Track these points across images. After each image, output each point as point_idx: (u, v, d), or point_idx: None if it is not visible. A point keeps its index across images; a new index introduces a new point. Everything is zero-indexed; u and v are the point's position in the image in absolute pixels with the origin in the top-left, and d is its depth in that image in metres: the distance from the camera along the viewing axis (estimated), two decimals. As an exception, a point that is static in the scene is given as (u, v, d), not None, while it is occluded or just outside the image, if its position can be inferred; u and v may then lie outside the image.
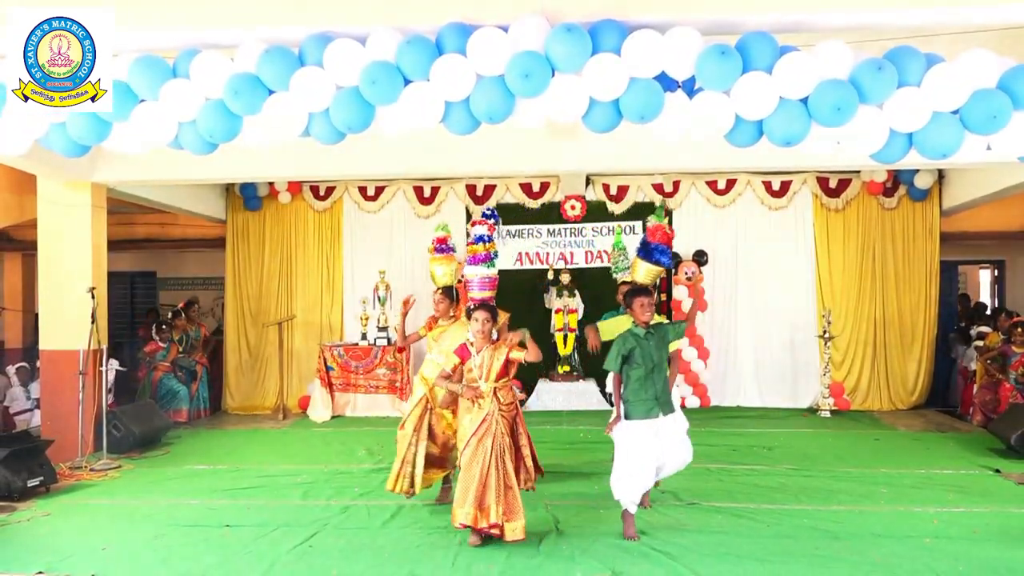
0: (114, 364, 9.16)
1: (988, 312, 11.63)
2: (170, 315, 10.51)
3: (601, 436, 8.71)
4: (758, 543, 5.05)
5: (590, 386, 10.69)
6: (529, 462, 5.41)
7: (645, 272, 6.13)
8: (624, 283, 6.55)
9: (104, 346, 8.21)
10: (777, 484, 6.62)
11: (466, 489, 4.95)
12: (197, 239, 12.36)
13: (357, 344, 10.40)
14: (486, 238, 5.68)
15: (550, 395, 10.66)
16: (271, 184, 11.30)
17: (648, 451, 5.15)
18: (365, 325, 10.47)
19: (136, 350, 10.78)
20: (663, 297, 10.99)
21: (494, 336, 5.34)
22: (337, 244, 11.39)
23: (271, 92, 4.65)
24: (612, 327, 5.83)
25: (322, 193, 11.41)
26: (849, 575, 4.48)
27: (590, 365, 10.86)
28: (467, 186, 11.20)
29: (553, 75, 4.46)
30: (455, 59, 4.44)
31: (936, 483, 6.59)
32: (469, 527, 4.93)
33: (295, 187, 11.35)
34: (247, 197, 11.39)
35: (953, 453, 7.79)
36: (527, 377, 10.89)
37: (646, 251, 6.15)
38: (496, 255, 5.76)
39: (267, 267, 11.38)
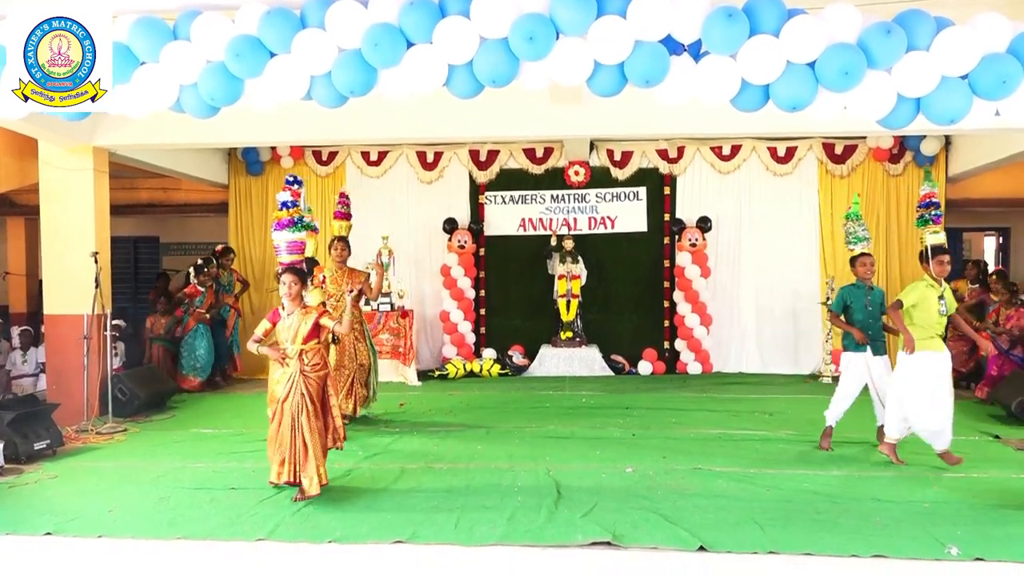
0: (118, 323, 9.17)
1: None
2: (200, 262, 10.27)
3: (603, 401, 8.82)
4: (758, 507, 5.08)
5: (592, 352, 10.73)
6: (339, 422, 5.57)
7: None
8: (864, 254, 6.69)
9: (108, 311, 8.24)
10: (778, 449, 6.66)
11: (272, 447, 5.34)
12: (200, 204, 12.34)
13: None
14: (290, 203, 5.93)
15: (553, 360, 10.71)
16: (273, 149, 11.25)
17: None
18: (368, 290, 10.48)
19: (139, 315, 10.80)
20: (665, 263, 10.99)
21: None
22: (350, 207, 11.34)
23: (272, 55, 4.62)
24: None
25: (324, 158, 11.37)
26: (848, 539, 4.51)
27: (591, 331, 10.90)
28: (470, 151, 11.14)
29: (557, 38, 4.42)
30: (458, 21, 4.40)
31: (933, 451, 6.62)
32: (277, 484, 5.34)
33: (297, 152, 11.30)
34: (249, 162, 11.35)
35: (954, 420, 7.79)
36: (530, 343, 10.94)
37: None
38: (302, 219, 5.98)
39: (270, 232, 11.30)
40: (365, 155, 11.31)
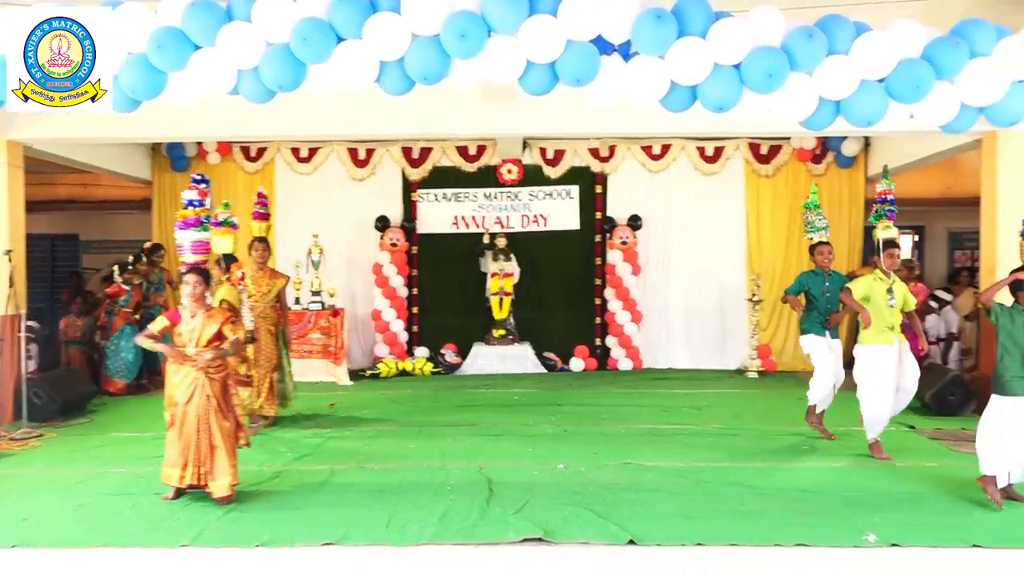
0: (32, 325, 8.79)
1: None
2: (131, 259, 9.81)
3: (535, 398, 8.86)
4: (686, 500, 5.18)
5: (525, 349, 10.77)
6: (242, 420, 5.60)
7: None
8: (822, 243, 6.98)
9: (23, 311, 7.90)
10: (706, 443, 6.80)
11: (172, 450, 5.18)
12: (122, 200, 11.95)
13: (290, 308, 10.22)
14: (196, 202, 5.83)
15: (486, 358, 10.71)
16: (199, 144, 10.96)
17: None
18: (298, 289, 10.29)
19: (56, 316, 10.39)
20: (596, 261, 11.11)
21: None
22: (270, 207, 11.09)
23: (197, 47, 4.50)
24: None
25: (253, 154, 11.14)
26: (772, 529, 4.63)
27: (524, 329, 10.94)
28: (403, 149, 11.06)
29: (489, 36, 4.41)
30: (389, 17, 4.36)
31: (854, 439, 6.84)
32: (176, 487, 5.18)
33: (225, 147, 11.04)
34: (174, 157, 11.04)
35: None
36: (463, 341, 10.92)
37: None
38: (208, 218, 5.95)
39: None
40: (295, 151, 11.12)
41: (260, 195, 8.36)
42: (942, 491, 5.39)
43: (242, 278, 7.12)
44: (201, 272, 5.40)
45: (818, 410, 6.92)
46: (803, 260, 10.79)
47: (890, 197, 6.55)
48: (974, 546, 4.42)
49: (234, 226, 7.25)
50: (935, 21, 4.76)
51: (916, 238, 13.51)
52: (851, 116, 4.62)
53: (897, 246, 6.40)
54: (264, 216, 8.20)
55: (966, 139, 8.17)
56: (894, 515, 4.88)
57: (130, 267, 9.60)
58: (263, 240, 7.77)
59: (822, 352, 6.84)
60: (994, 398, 5.12)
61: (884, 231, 6.38)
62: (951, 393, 7.86)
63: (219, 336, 5.25)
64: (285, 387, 7.66)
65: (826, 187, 11.02)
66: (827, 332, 6.84)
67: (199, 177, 6.26)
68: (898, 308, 6.24)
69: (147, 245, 10.30)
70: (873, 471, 5.92)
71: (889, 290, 6.20)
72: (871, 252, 10.32)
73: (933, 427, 7.31)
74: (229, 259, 7.04)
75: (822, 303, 6.84)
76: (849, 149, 10.81)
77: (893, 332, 6.20)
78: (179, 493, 5.25)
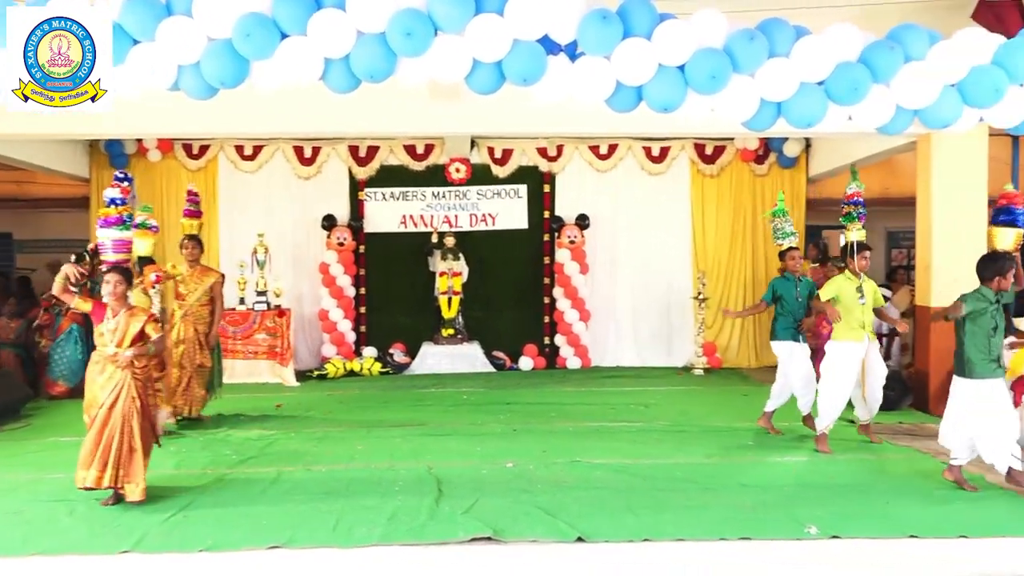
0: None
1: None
2: (73, 258, 9.47)
3: (485, 397, 8.85)
4: (634, 496, 5.23)
5: (474, 348, 10.76)
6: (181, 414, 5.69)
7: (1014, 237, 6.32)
8: (792, 248, 7.15)
9: (-47, 312, 7.62)
10: (653, 440, 6.87)
11: (91, 452, 5.07)
12: (58, 198, 11.60)
13: (235, 309, 10.07)
14: (119, 201, 5.89)
15: (434, 358, 10.67)
16: (139, 141, 10.70)
17: None
18: (243, 289, 10.14)
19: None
20: (545, 260, 11.16)
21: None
22: (212, 205, 10.93)
23: (136, 42, 4.40)
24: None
25: (195, 151, 10.92)
26: (717, 523, 4.71)
27: (472, 328, 10.93)
28: (350, 147, 10.96)
29: (436, 34, 4.40)
30: (334, 14, 4.32)
31: (798, 434, 7.00)
32: (93, 488, 5.05)
33: (166, 145, 10.80)
34: (113, 155, 10.76)
35: (813, 406, 8.28)
36: (411, 340, 10.87)
37: (1008, 214, 6.36)
38: (130, 217, 6.02)
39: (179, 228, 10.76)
40: (239, 149, 10.93)
41: (191, 193, 8.29)
42: (880, 484, 5.54)
43: (157, 281, 7.17)
44: (123, 271, 5.31)
45: (770, 409, 7.07)
46: (747, 259, 11.07)
47: (859, 200, 6.70)
48: (911, 536, 4.54)
49: (153, 229, 7.27)
50: (871, 26, 4.90)
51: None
52: (792, 117, 4.73)
53: (869, 248, 6.59)
54: (195, 214, 8.16)
55: (902, 141, 8.42)
56: (834, 508, 4.99)
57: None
58: (193, 238, 7.73)
59: (789, 358, 6.98)
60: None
61: (856, 233, 6.56)
62: (889, 388, 8.01)
63: (142, 336, 5.18)
64: (214, 386, 7.70)
65: (769, 187, 11.25)
66: (799, 337, 6.98)
67: (122, 175, 6.26)
68: (869, 306, 6.42)
69: (92, 246, 9.92)
70: (815, 465, 6.06)
71: (859, 289, 6.38)
72: (823, 252, 10.66)
73: (872, 422, 7.48)
74: (144, 261, 7.12)
75: (794, 308, 6.97)
76: (791, 150, 11.05)
77: (864, 329, 6.38)
78: (117, 496, 5.15)
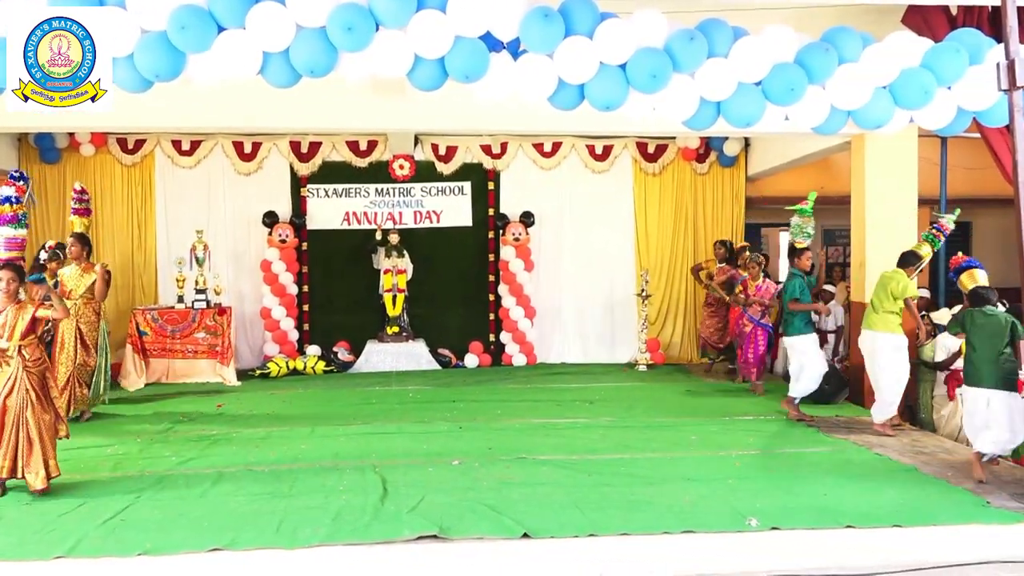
0: None
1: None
2: (40, 257, 9.08)
3: (430, 395, 8.82)
4: (579, 492, 5.28)
5: (419, 346, 10.71)
6: (62, 412, 5.65)
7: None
8: (806, 249, 7.69)
9: None
10: (598, 435, 6.94)
11: None
12: (-16, 194, 11.16)
13: (173, 307, 9.85)
14: (14, 199, 6.08)
15: (379, 356, 10.59)
16: (71, 135, 10.38)
17: None
18: (182, 287, 9.92)
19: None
20: (490, 257, 11.16)
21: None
22: (149, 201, 10.68)
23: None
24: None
25: (131, 146, 10.62)
26: (661, 517, 4.78)
27: (417, 326, 10.89)
28: (291, 143, 10.79)
29: (377, 29, 4.37)
30: (273, 7, 4.26)
31: (738, 429, 7.15)
32: None
33: (99, 139, 10.49)
34: (43, 148, 10.41)
35: (752, 400, 8.47)
36: (356, 338, 10.77)
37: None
38: (25, 215, 6.20)
39: (68, 226, 10.45)
40: (176, 144, 10.67)
41: (79, 191, 8.33)
42: (818, 476, 5.69)
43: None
44: (15, 268, 5.46)
45: (797, 400, 7.54)
46: (689, 256, 11.24)
47: (945, 232, 7.48)
48: (847, 526, 4.67)
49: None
50: (806, 28, 5.01)
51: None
52: (731, 117, 4.81)
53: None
54: (83, 212, 8.26)
55: (837, 141, 8.63)
56: (774, 500, 5.11)
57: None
58: (80, 236, 7.82)
59: (816, 349, 7.56)
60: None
61: (920, 248, 7.28)
62: (825, 383, 8.24)
63: (33, 325, 5.32)
64: (98, 384, 7.73)
65: (710, 185, 11.45)
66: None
67: (17, 174, 6.37)
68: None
69: (50, 244, 9.46)
70: (755, 459, 6.18)
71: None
72: (752, 245, 10.88)
73: (810, 415, 7.68)
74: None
75: (809, 303, 7.52)
76: (731, 149, 11.24)
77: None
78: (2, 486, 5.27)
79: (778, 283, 9.64)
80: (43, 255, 8.53)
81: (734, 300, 9.29)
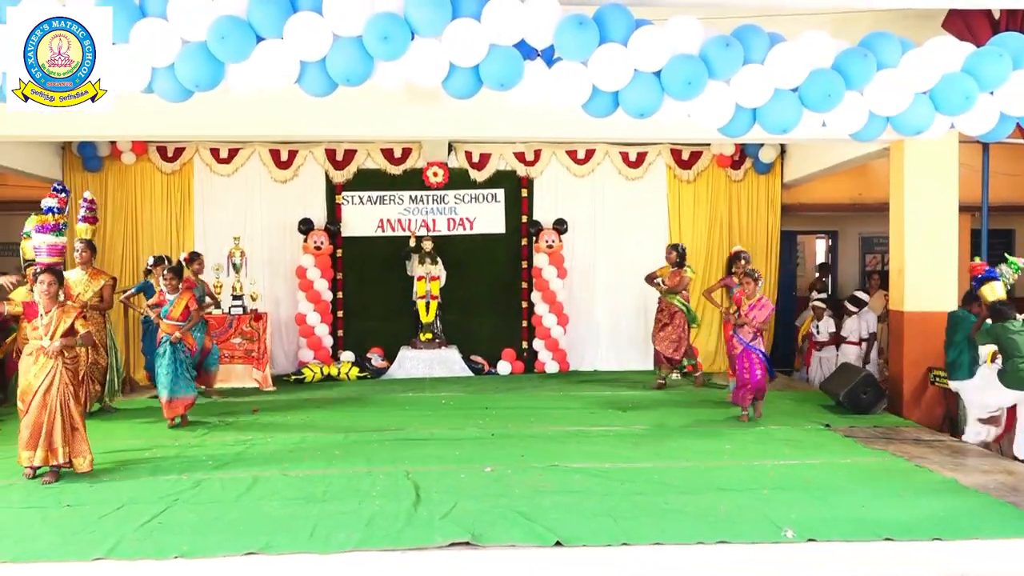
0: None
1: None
2: (169, 266, 9.03)
3: (463, 402, 8.84)
4: (611, 500, 5.24)
5: (452, 353, 10.74)
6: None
7: None
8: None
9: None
10: (631, 444, 6.89)
11: (34, 435, 5.68)
12: (29, 200, 11.35)
13: (211, 313, 9.98)
14: (56, 210, 6.68)
15: (412, 362, 10.64)
16: (113, 143, 10.59)
17: None
18: (219, 293, 10.05)
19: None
20: (523, 264, 11.16)
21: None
22: (188, 209, 10.87)
23: (112, 44, 4.36)
24: None
25: (170, 154, 10.82)
26: (695, 527, 4.73)
27: (451, 332, 10.92)
28: (326, 150, 10.91)
29: (413, 38, 4.40)
30: (310, 17, 4.31)
31: (774, 439, 7.06)
32: (38, 467, 5.73)
33: (140, 147, 10.70)
34: (86, 157, 10.65)
35: (789, 410, 8.35)
36: (389, 345, 10.83)
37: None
38: (65, 225, 6.83)
39: (110, 233, 10.70)
40: (215, 152, 10.85)
41: (88, 200, 8.65)
42: (856, 487, 5.59)
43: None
44: (55, 272, 5.90)
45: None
46: (723, 264, 11.12)
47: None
48: (886, 539, 4.59)
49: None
50: (844, 34, 4.96)
51: (829, 243, 14.00)
52: (767, 123, 4.77)
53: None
54: (91, 220, 8.59)
55: (875, 147, 8.52)
56: (811, 511, 5.03)
57: (175, 276, 8.29)
58: (86, 242, 8.08)
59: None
60: None
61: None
62: (863, 392, 8.15)
63: (72, 330, 5.76)
64: (111, 381, 8.32)
65: (745, 192, 11.36)
66: None
67: (59, 187, 6.97)
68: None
69: (185, 256, 9.52)
70: (791, 469, 6.10)
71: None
72: (788, 253, 10.81)
73: (847, 425, 7.57)
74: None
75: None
76: (766, 156, 11.14)
77: None
78: (55, 474, 5.74)
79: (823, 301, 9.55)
80: (150, 261, 9.20)
81: (726, 315, 8.78)
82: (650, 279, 9.87)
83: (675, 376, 10.09)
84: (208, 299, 9.15)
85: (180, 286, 7.65)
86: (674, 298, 9.57)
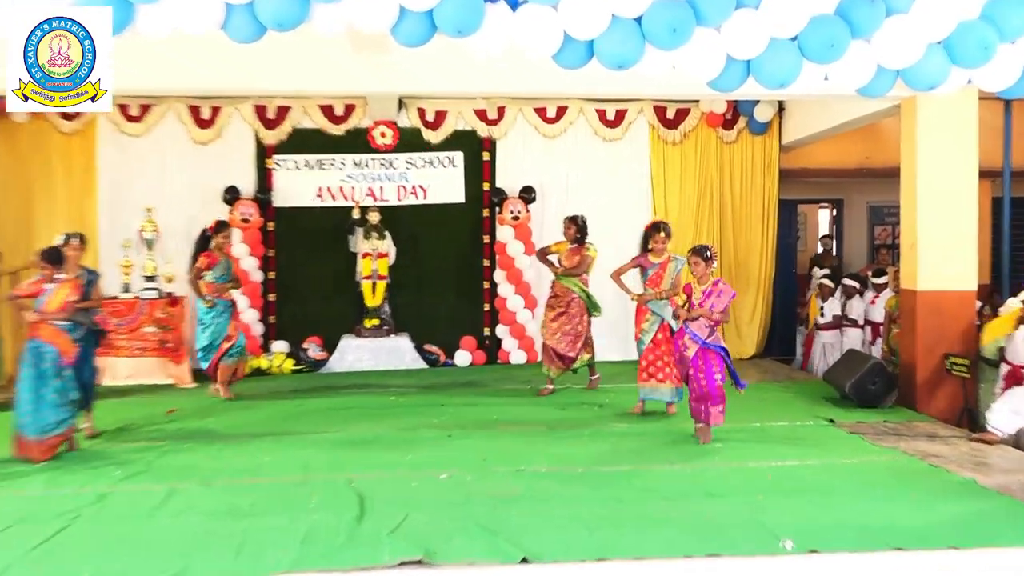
0: None
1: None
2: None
3: (415, 398, 8.84)
4: (586, 509, 5.28)
5: (402, 341, 10.75)
6: None
7: None
8: None
9: None
10: (608, 444, 6.95)
11: None
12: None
13: (117, 297, 9.85)
14: None
15: (356, 353, 10.63)
16: (2, 98, 10.32)
17: None
18: (128, 274, 9.92)
19: None
20: (485, 239, 11.15)
21: None
22: (90, 174, 10.67)
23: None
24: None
25: (70, 112, 10.59)
26: (681, 538, 4.77)
27: (401, 318, 10.88)
28: (256, 107, 10.79)
29: (354, -25, 4.34)
30: (233, -50, 4.22)
31: (771, 436, 7.16)
32: None
33: (34, 102, 10.45)
34: (-35, 112, 10.40)
35: (788, 404, 8.48)
36: (329, 333, 10.79)
37: None
38: None
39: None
40: (123, 109, 10.63)
41: None
42: (861, 490, 5.69)
43: None
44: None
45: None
46: (714, 235, 11.23)
47: None
48: (897, 549, 4.65)
49: None
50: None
51: (834, 212, 14.17)
52: (762, 77, 4.79)
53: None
54: None
55: (885, 104, 8.60)
56: (812, 518, 5.10)
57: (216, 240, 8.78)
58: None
59: None
60: None
61: None
62: (871, 382, 8.24)
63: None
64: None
65: (738, 155, 11.47)
66: None
67: None
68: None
69: (210, 227, 9.24)
70: (786, 471, 6.19)
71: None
72: (787, 224, 10.89)
73: (854, 420, 7.69)
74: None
75: None
76: (762, 114, 11.21)
77: None
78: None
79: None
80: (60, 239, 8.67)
81: (675, 310, 7.46)
82: (543, 255, 9.21)
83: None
84: (230, 281, 8.89)
85: (61, 274, 6.67)
86: (571, 282, 8.95)
